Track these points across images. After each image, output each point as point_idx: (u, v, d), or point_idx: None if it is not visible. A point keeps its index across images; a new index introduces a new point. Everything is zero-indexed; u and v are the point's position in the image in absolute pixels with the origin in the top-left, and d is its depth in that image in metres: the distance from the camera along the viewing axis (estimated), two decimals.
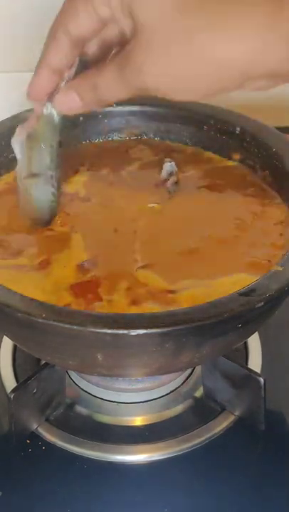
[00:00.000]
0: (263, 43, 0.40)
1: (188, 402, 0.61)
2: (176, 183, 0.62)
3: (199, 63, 0.40)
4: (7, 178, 0.63)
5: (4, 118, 0.63)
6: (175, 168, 0.63)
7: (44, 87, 0.48)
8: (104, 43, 0.48)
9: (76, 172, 0.64)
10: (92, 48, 0.48)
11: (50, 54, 0.47)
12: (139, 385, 0.60)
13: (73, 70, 0.48)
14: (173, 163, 0.63)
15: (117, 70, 0.43)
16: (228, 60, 0.40)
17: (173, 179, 0.62)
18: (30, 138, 0.53)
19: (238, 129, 0.63)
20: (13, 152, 0.63)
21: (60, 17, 0.45)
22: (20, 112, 0.64)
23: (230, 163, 0.64)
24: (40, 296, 0.49)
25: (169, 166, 0.63)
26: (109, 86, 0.44)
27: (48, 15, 0.83)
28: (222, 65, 0.40)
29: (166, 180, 0.62)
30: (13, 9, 0.83)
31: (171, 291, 0.51)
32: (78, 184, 0.62)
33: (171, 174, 0.62)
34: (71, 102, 0.47)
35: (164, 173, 0.63)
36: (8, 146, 0.62)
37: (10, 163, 0.63)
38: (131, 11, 0.42)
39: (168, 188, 0.61)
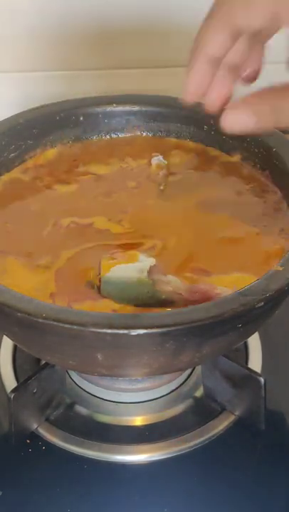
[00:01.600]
0: None
1: (188, 402, 0.61)
2: (167, 176, 0.62)
3: None
4: (5, 178, 0.62)
5: (4, 118, 0.63)
6: (164, 162, 0.63)
7: (201, 82, 0.44)
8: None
9: (72, 169, 0.64)
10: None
11: (206, 39, 0.42)
12: (139, 385, 0.60)
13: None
14: (160, 156, 0.63)
15: None
16: None
17: (163, 172, 0.62)
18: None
19: None
20: (13, 152, 0.63)
21: (224, 8, 0.41)
22: (21, 112, 0.64)
23: (231, 159, 0.64)
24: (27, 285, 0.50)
25: (156, 159, 0.63)
26: None
27: (48, 15, 0.83)
28: None
29: (156, 174, 0.62)
30: (13, 9, 0.83)
31: None
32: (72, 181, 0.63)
33: (160, 168, 0.63)
34: (245, 122, 0.42)
35: (152, 168, 0.63)
36: (8, 145, 0.63)
37: (10, 163, 0.63)
38: None
39: (158, 182, 0.61)
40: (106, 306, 0.50)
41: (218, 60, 0.43)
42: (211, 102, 0.45)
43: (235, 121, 0.42)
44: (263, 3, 0.40)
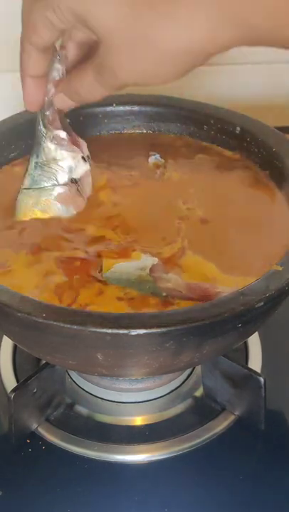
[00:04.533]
0: (213, 27, 0.43)
1: (188, 402, 0.61)
2: (164, 174, 0.62)
3: (159, 55, 0.45)
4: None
5: (4, 118, 0.63)
6: (161, 160, 0.63)
7: (35, 95, 0.53)
8: (80, 43, 0.52)
9: None
10: (71, 50, 0.53)
11: (24, 64, 0.51)
12: (139, 385, 0.60)
13: (57, 69, 0.52)
14: (158, 155, 0.63)
15: (93, 74, 0.47)
16: (182, 48, 0.44)
17: (161, 171, 0.62)
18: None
19: (238, 129, 0.63)
20: (12, 152, 0.63)
21: (23, 29, 0.49)
22: (21, 112, 0.64)
23: (231, 158, 0.64)
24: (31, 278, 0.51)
25: (153, 158, 0.63)
26: (90, 89, 0.49)
27: None
28: (177, 52, 0.44)
29: (154, 173, 0.62)
30: (13, 9, 0.83)
31: None
32: None
33: (157, 167, 0.63)
34: (64, 103, 0.52)
35: (150, 166, 0.63)
36: (8, 145, 0.63)
37: (9, 162, 0.63)
38: (86, 22, 0.45)
39: (156, 180, 0.62)
40: (112, 293, 0.50)
41: (40, 72, 0.51)
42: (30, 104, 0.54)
43: (59, 102, 0.53)
44: (43, 22, 0.46)
